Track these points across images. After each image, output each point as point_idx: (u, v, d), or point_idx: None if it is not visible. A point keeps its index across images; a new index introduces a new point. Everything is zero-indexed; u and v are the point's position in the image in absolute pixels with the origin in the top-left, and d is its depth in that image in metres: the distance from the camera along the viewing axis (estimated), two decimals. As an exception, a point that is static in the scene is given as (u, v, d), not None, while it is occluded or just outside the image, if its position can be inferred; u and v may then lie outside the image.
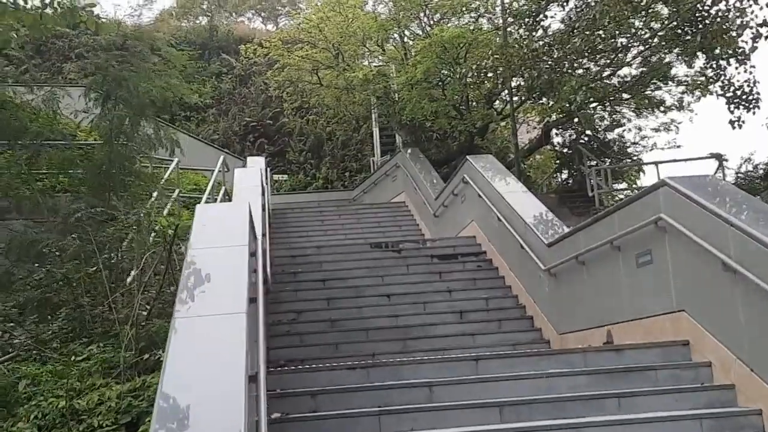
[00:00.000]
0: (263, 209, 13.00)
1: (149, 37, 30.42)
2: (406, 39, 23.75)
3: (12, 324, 7.80)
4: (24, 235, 8.48)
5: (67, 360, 6.80)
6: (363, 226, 19.66)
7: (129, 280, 8.30)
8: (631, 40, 19.38)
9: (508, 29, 20.06)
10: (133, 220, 8.06)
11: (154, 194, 12.03)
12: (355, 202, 24.77)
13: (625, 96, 22.04)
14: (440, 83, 21.48)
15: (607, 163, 23.67)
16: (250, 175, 14.09)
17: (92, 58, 29.16)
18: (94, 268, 7.96)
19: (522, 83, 21.06)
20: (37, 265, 8.30)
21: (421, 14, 22.12)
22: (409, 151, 21.80)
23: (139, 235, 7.99)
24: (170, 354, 4.59)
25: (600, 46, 18.73)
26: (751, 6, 16.01)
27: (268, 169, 22.55)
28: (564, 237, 9.98)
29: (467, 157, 15.29)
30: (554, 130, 25.07)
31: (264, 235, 12.04)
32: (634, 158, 26.49)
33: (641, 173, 26.62)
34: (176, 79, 12.22)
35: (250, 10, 48.14)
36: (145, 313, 7.46)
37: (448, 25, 21.64)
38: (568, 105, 20.40)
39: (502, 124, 24.73)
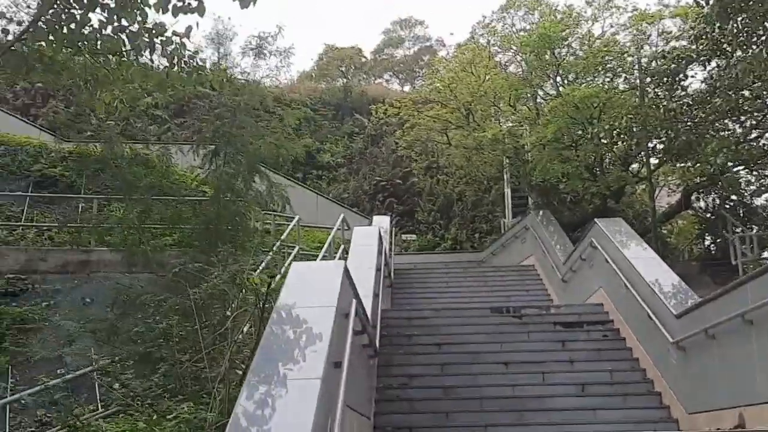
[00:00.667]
0: (378, 269, 12.77)
1: (284, 97, 31.45)
2: (538, 99, 23.26)
3: (110, 379, 7.77)
4: (129, 289, 8.52)
5: (155, 419, 6.63)
6: (488, 289, 19.08)
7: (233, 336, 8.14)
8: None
9: (645, 89, 19.28)
10: (226, 277, 7.93)
11: (272, 250, 12.00)
12: (484, 264, 24.18)
13: (774, 159, 20.64)
14: (573, 144, 20.79)
15: (754, 231, 22.13)
16: (367, 235, 13.92)
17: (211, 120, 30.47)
18: (193, 325, 7.85)
19: (659, 144, 20.11)
20: (139, 319, 8.30)
21: (553, 74, 21.58)
22: (539, 213, 21.16)
23: (233, 292, 7.84)
24: (234, 420, 4.29)
25: (744, 107, 17.68)
26: None
27: (394, 229, 22.42)
28: (693, 308, 9.16)
29: (595, 220, 14.58)
30: (696, 194, 23.76)
31: (377, 295, 11.82)
32: (785, 226, 24.69)
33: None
34: (287, 136, 12.08)
35: (387, 72, 49.03)
36: (240, 372, 7.24)
37: (582, 84, 21.00)
38: (709, 168, 19.30)
39: (641, 187, 23.66)
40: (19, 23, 11.07)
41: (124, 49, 11.50)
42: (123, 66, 11.83)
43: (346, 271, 6.88)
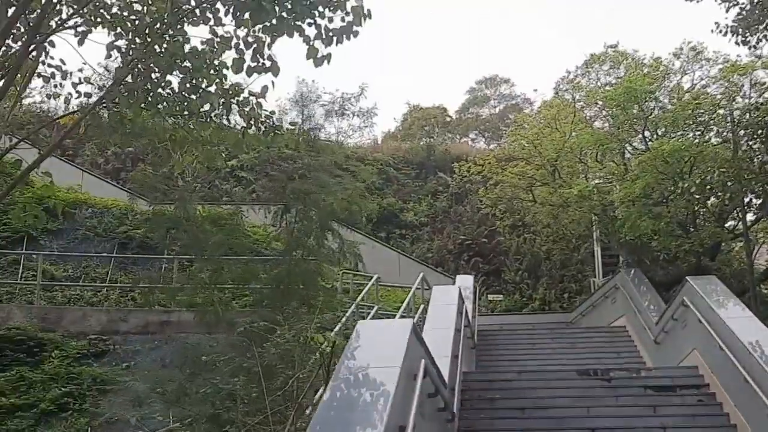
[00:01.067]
0: (457, 330, 12.38)
1: (368, 156, 31.58)
2: (626, 154, 22.64)
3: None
4: (197, 349, 8.42)
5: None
6: (576, 351, 18.33)
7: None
8: None
9: (738, 142, 18.55)
10: (290, 336, 7.72)
11: (350, 310, 11.80)
12: (573, 326, 23.43)
13: None
14: (663, 200, 20.05)
15: None
16: (446, 294, 13.57)
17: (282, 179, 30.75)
18: (258, 386, 7.65)
19: (755, 199, 19.21)
20: (207, 379, 8.16)
21: (640, 128, 20.98)
22: (630, 271, 20.39)
23: (297, 351, 7.61)
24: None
25: None
26: None
27: (479, 288, 21.97)
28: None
29: (688, 278, 13.87)
30: (798, 252, 22.59)
31: (456, 356, 11.42)
32: None
33: None
34: (361, 194, 11.93)
35: (473, 131, 48.93)
36: (306, 436, 6.95)
37: (671, 138, 20.34)
38: (812, 223, 18.34)
39: (738, 244, 22.61)
40: (101, 87, 11.36)
41: (201, 111, 11.71)
42: (202, 127, 12.02)
43: (414, 330, 6.58)
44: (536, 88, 75.27)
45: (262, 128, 12.24)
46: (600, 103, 22.59)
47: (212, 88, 11.36)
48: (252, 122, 12.23)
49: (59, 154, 25.97)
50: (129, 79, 11.26)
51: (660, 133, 21.52)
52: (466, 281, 21.10)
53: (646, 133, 21.43)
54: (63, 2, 11.80)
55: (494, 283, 28.75)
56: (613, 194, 22.03)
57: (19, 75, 12.67)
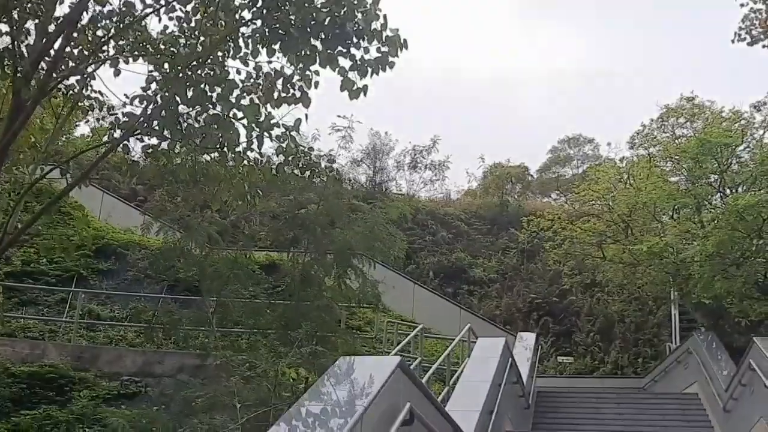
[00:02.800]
0: (497, 385, 11.59)
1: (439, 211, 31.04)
2: (703, 211, 21.45)
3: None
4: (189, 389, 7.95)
5: None
6: (642, 418, 17.11)
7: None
8: None
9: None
10: (260, 371, 7.17)
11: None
12: (645, 392, 22.06)
13: None
14: (742, 258, 18.76)
15: None
16: (490, 347, 12.80)
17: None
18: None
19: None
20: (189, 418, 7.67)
21: (716, 183, 19.85)
22: (703, 335, 19.09)
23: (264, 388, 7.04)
24: None
25: None
26: None
27: (540, 348, 21.00)
28: None
29: (754, 338, 12.73)
30: None
31: (490, 411, 10.63)
32: None
33: None
34: (385, 228, 11.35)
35: (555, 191, 47.80)
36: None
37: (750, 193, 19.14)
38: None
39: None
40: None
41: (235, 146, 11.44)
42: (236, 162, 11.75)
43: (403, 367, 5.94)
44: (610, 141, 71.27)
45: (300, 164, 11.91)
46: (676, 157, 21.56)
47: (244, 121, 11.08)
48: (290, 159, 11.93)
49: (125, 198, 26.43)
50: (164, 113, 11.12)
51: (739, 191, 20.34)
52: (527, 339, 20.20)
53: (727, 191, 20.29)
54: (110, 37, 11.87)
55: (564, 345, 27.48)
56: (686, 252, 20.81)
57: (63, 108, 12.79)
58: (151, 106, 10.89)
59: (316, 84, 11.00)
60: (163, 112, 10.83)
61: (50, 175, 11.59)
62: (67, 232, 13.85)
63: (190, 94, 10.92)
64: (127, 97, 10.94)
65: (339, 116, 26.96)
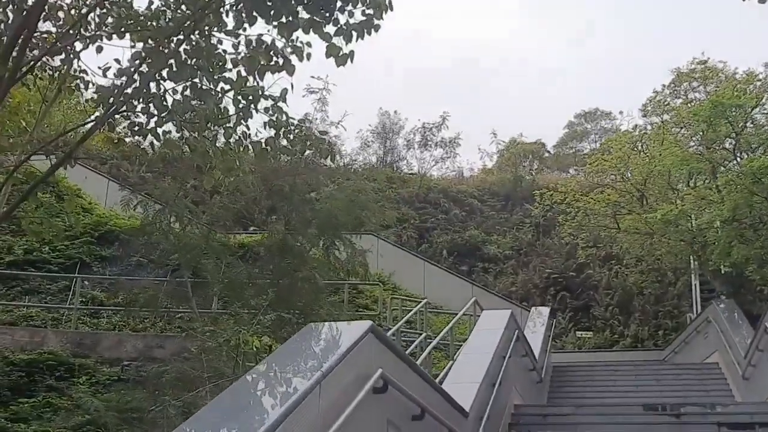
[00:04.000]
0: (501, 357, 11.20)
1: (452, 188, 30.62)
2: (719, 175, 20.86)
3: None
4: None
5: None
6: (658, 389, 16.67)
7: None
8: None
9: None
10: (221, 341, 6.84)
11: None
12: (665, 363, 21.58)
13: None
14: (759, 221, 18.20)
15: None
16: (495, 319, 12.41)
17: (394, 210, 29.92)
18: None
19: None
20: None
21: (731, 146, 19.26)
22: (720, 304, 18.56)
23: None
24: None
25: None
26: None
27: (553, 323, 20.63)
28: None
29: (770, 302, 12.25)
30: None
31: (492, 384, 10.26)
32: None
33: None
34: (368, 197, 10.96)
35: (573, 166, 47.12)
36: None
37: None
38: None
39: None
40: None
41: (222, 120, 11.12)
42: (226, 137, 11.43)
43: (375, 332, 5.59)
44: (622, 110, 68.87)
45: (291, 136, 11.53)
46: (689, 122, 20.97)
47: (231, 95, 10.75)
48: (281, 133, 11.56)
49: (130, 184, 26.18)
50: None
51: (759, 154, 19.72)
52: (539, 313, 19.80)
53: (740, 153, 19.70)
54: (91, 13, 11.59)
55: (583, 320, 26.95)
56: (702, 218, 20.25)
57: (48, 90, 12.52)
58: (134, 83, 10.58)
59: (308, 56, 10.64)
60: (148, 87, 10.53)
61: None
62: (58, 217, 13.62)
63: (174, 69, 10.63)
64: (108, 73, 10.67)
65: (313, 77, 25.57)
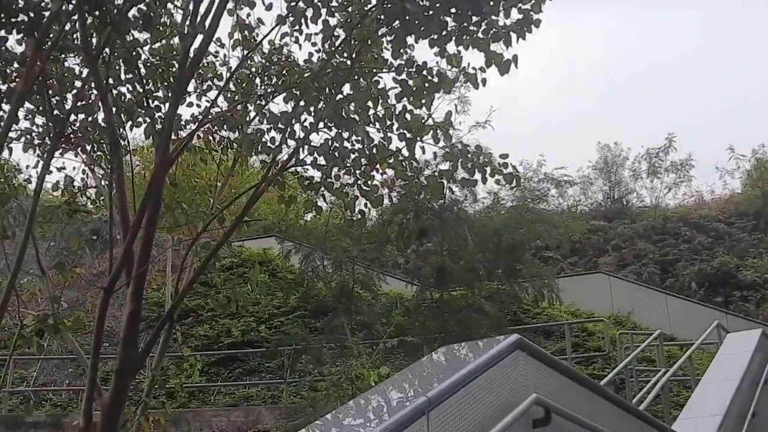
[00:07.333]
0: (753, 384, 9.24)
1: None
2: None
3: None
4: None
5: None
6: None
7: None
8: None
9: None
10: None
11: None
12: None
13: None
14: None
15: None
16: (739, 342, 10.40)
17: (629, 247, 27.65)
18: None
19: None
20: None
21: None
22: None
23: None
24: None
25: None
26: None
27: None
28: None
29: None
30: None
31: (743, 416, 8.40)
32: None
33: None
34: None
35: None
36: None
37: None
38: None
39: None
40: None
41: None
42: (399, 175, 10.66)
43: (524, 346, 4.35)
44: None
45: (469, 165, 10.46)
46: None
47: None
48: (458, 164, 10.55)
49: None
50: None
51: None
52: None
53: None
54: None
55: None
56: None
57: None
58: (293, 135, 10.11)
59: (484, 82, 9.68)
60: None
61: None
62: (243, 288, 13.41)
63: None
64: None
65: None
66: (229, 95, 11.58)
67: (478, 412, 3.80)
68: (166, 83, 10.59)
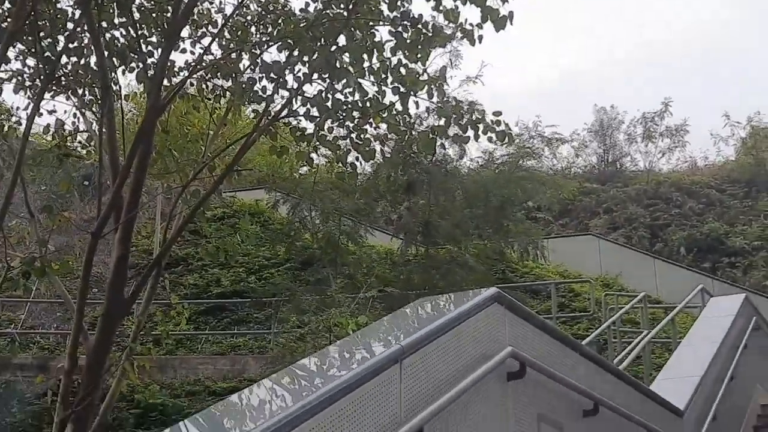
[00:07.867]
0: (733, 347, 9.37)
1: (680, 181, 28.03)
2: None
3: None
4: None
5: None
6: None
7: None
8: None
9: None
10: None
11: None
12: None
13: None
14: None
15: None
16: (721, 306, 10.53)
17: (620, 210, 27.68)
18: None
19: None
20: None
21: None
22: None
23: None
24: None
25: None
26: None
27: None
28: None
29: None
30: None
31: (721, 378, 8.54)
32: None
33: None
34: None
35: None
36: None
37: None
38: None
39: None
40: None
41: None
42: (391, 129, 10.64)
43: (500, 299, 4.40)
44: None
45: (462, 122, 10.43)
46: None
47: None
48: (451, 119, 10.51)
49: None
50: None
51: None
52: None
53: None
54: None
55: None
56: None
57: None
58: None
59: (480, 38, 9.61)
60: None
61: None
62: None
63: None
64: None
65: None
66: (223, 43, 11.50)
67: (452, 362, 3.86)
68: (159, 28, 10.52)
